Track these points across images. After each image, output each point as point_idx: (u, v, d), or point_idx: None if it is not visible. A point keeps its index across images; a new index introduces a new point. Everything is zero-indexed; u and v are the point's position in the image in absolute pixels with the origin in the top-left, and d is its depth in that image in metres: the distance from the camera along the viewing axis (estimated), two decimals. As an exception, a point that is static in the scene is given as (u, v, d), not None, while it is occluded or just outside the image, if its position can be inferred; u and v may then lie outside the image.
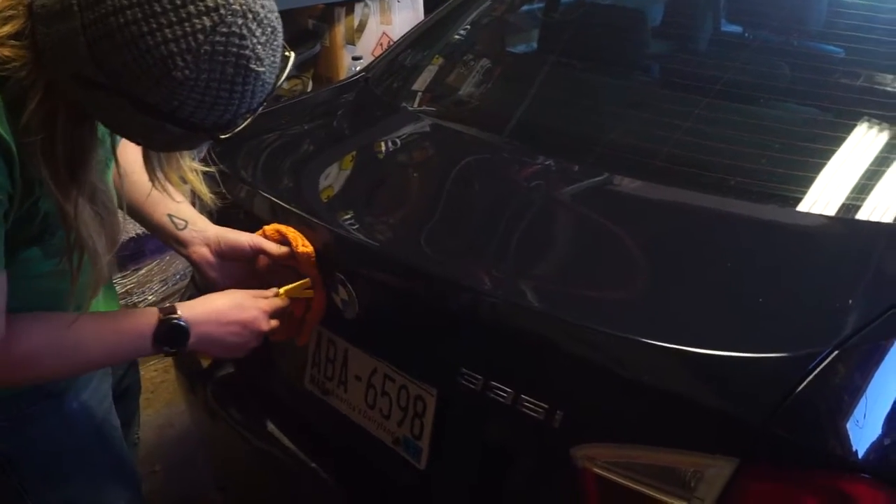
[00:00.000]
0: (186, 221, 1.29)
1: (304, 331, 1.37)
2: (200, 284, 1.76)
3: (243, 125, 0.90)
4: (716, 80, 1.58)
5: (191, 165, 1.12)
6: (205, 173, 1.18)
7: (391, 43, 3.36)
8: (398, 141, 1.72)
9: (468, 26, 2.13)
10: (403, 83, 1.96)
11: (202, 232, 1.31)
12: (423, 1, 3.54)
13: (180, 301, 1.18)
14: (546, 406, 1.05)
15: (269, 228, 1.31)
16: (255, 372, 1.64)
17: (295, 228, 1.31)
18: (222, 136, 0.89)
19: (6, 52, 0.83)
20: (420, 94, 1.91)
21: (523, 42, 2.21)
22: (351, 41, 3.34)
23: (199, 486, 2.11)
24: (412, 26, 2.35)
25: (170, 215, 1.29)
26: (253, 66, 0.83)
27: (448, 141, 1.69)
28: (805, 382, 0.91)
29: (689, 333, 0.99)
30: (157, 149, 1.00)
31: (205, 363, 1.31)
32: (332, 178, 1.56)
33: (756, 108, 1.51)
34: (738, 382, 0.95)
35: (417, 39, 2.11)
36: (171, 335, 1.10)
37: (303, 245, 1.28)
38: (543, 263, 1.23)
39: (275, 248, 1.30)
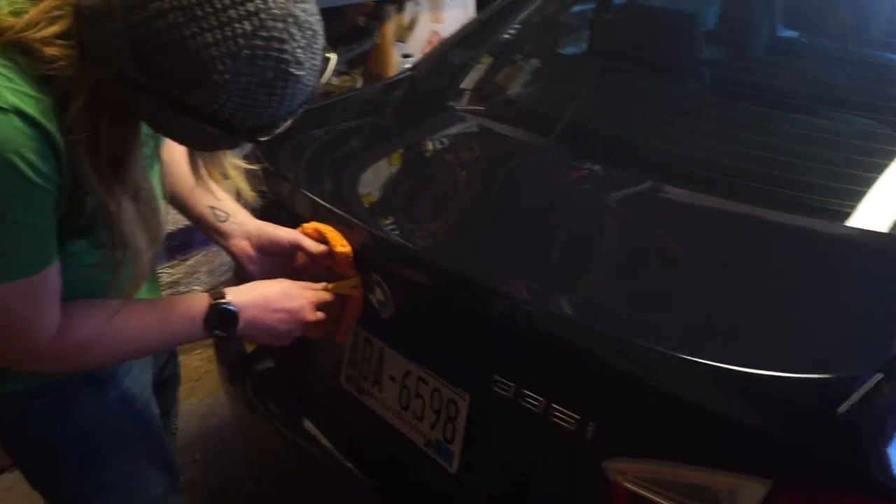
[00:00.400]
0: (228, 214, 1.31)
1: (341, 329, 1.37)
2: (242, 278, 1.78)
3: (283, 127, 0.90)
4: (770, 88, 1.54)
5: (233, 162, 1.14)
6: (247, 170, 1.19)
7: (440, 41, 3.37)
8: (442, 141, 1.72)
9: (518, 26, 2.11)
10: (450, 82, 1.95)
11: (243, 225, 1.32)
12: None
13: None
14: (578, 417, 1.03)
15: (309, 226, 1.32)
16: (293, 368, 1.65)
17: (334, 228, 1.31)
18: (261, 139, 0.89)
19: (53, 51, 0.85)
20: (467, 93, 1.90)
21: (573, 43, 2.18)
22: (401, 39, 3.35)
23: (237, 477, 2.14)
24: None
25: (212, 207, 1.31)
26: (292, 69, 0.83)
27: (493, 143, 1.68)
28: (847, 404, 0.88)
29: (730, 350, 0.96)
30: (198, 148, 1.02)
31: (249, 348, 1.33)
32: (375, 177, 1.56)
33: (811, 118, 1.47)
34: (776, 402, 0.92)
35: (466, 38, 2.10)
36: (220, 319, 1.13)
37: (341, 245, 1.29)
38: (584, 273, 1.22)
39: (313, 245, 1.30)
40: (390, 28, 3.26)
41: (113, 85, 0.85)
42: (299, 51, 0.83)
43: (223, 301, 1.14)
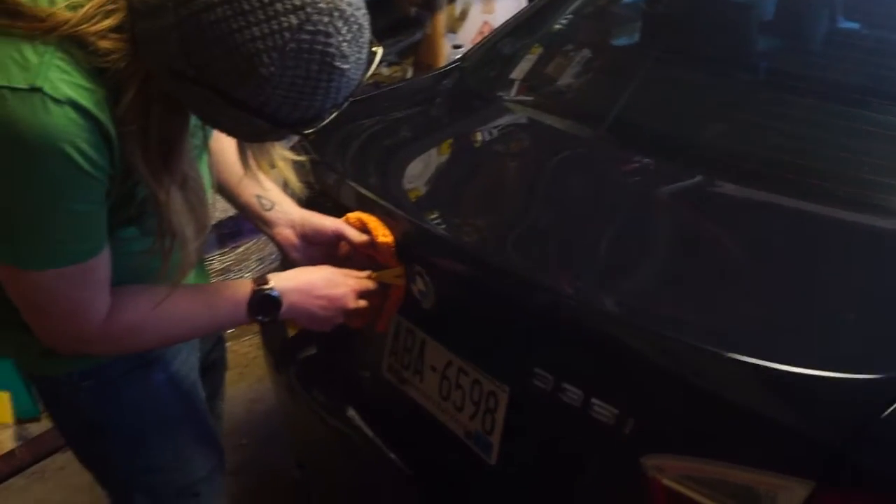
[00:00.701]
0: (273, 203, 1.33)
1: (382, 318, 1.38)
2: (289, 266, 1.80)
3: (328, 120, 0.91)
4: (828, 81, 1.50)
5: (281, 153, 1.15)
6: (294, 161, 1.21)
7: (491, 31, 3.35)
8: (490, 132, 1.72)
9: (570, 16, 2.09)
10: (499, 73, 1.94)
11: (287, 214, 1.34)
12: (527, -10, 3.50)
13: None
14: (617, 412, 1.03)
15: (352, 216, 1.33)
16: (336, 356, 1.67)
17: (378, 218, 1.32)
18: (306, 132, 0.91)
19: (107, 44, 0.87)
20: (516, 84, 1.89)
21: (626, 34, 2.15)
22: (452, 29, 3.35)
23: (282, 462, 2.17)
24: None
25: (258, 196, 1.33)
26: (338, 63, 0.84)
27: (542, 134, 1.66)
28: (894, 406, 0.86)
29: (776, 349, 0.94)
30: (246, 140, 1.04)
31: (291, 332, 1.35)
32: (421, 169, 1.56)
33: (870, 113, 1.42)
34: (820, 402, 0.90)
35: (514, 29, 2.08)
36: (264, 305, 1.16)
37: (383, 235, 1.29)
38: (629, 268, 1.20)
39: (356, 235, 1.32)
40: (441, 19, 3.26)
41: (163, 77, 0.87)
42: (345, 45, 0.84)
43: (266, 287, 1.17)
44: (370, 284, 1.29)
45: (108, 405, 1.20)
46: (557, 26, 2.08)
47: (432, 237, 1.29)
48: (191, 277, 1.24)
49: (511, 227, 1.33)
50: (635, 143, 1.51)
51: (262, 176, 1.24)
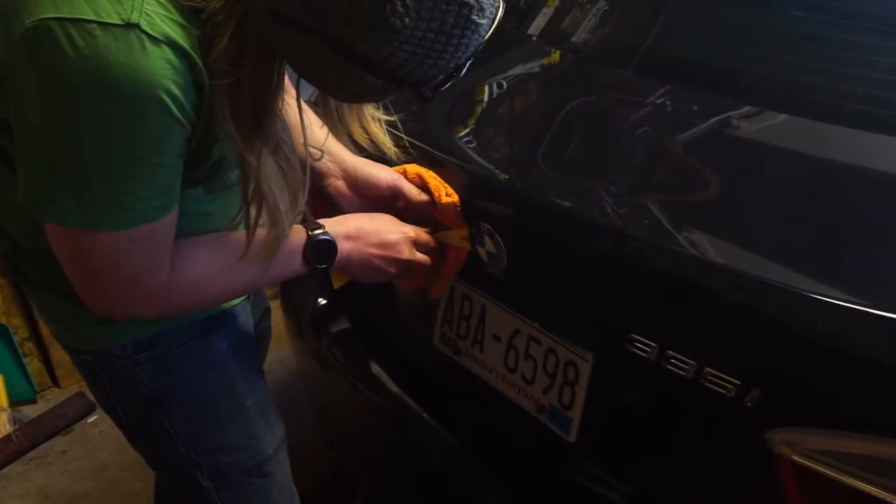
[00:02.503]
0: (322, 151, 1.19)
1: (439, 283, 1.26)
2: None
3: (447, 84, 0.80)
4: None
5: (372, 114, 1.06)
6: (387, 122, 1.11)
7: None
8: (545, 76, 1.55)
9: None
10: (536, 15, 1.78)
11: (340, 163, 1.22)
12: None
13: None
14: (739, 382, 0.91)
15: (412, 169, 1.20)
16: (377, 325, 1.54)
17: (437, 174, 1.19)
18: (426, 94, 0.80)
19: None
20: (550, 24, 1.73)
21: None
22: None
23: (305, 435, 2.05)
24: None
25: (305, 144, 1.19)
26: (475, 17, 0.73)
27: (597, 75, 1.51)
28: None
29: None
30: (345, 99, 0.94)
31: (337, 284, 1.23)
32: (472, 117, 1.40)
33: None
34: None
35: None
36: (320, 250, 1.08)
37: (447, 195, 1.16)
38: (743, 216, 1.03)
39: (415, 193, 1.19)
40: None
41: (264, 22, 0.74)
42: None
43: (321, 231, 1.08)
44: (426, 237, 1.18)
45: (170, 378, 1.11)
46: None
47: (505, 190, 1.15)
48: None
49: (595, 174, 1.17)
50: (715, 86, 1.34)
51: (311, 117, 1.12)
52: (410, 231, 1.17)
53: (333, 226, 1.10)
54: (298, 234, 1.07)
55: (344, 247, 1.10)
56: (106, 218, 0.82)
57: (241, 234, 0.95)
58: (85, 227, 0.83)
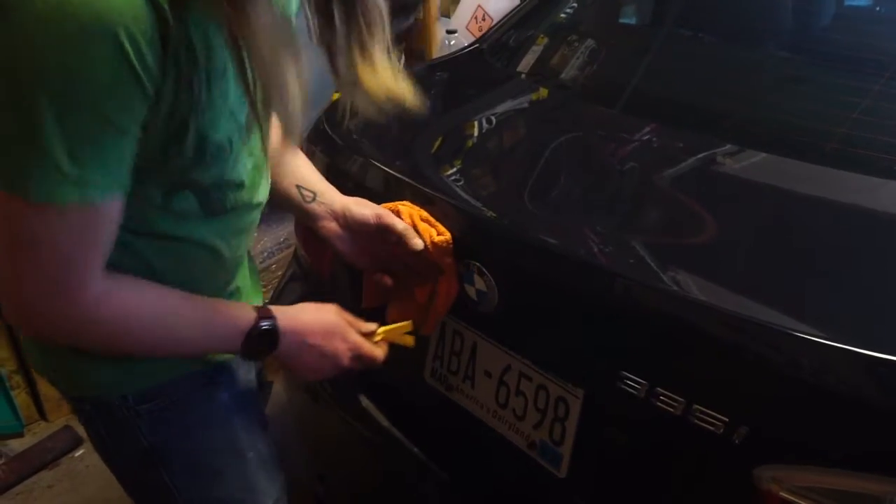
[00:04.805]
0: (315, 193, 1.20)
1: (429, 319, 1.27)
2: (304, 261, 1.68)
3: None
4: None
5: (384, 64, 0.95)
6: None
7: (485, 16, 3.23)
8: (536, 114, 1.58)
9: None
10: (525, 54, 1.82)
11: (330, 205, 1.22)
12: (520, -27, 3.38)
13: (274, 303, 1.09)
14: (727, 419, 0.92)
15: (405, 210, 1.20)
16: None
17: (427, 212, 1.20)
18: None
19: None
20: (540, 62, 1.77)
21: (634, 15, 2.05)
22: (446, 13, 3.21)
23: (294, 470, 2.04)
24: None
25: (298, 186, 1.20)
26: None
27: (586, 114, 1.54)
28: None
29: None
30: None
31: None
32: (462, 154, 1.42)
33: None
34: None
35: (531, 11, 1.97)
36: (263, 339, 1.00)
37: (438, 234, 1.17)
38: (732, 255, 1.07)
39: (399, 223, 1.18)
40: (435, 3, 3.11)
41: None
42: None
43: (270, 320, 1.00)
44: (370, 350, 1.13)
45: (170, 430, 1.06)
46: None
47: (496, 230, 1.16)
48: (248, 288, 1.14)
49: (585, 213, 1.19)
50: (710, 128, 1.37)
51: (301, 158, 1.11)
52: (354, 340, 1.11)
53: (283, 315, 1.02)
54: (247, 313, 1.00)
55: (285, 341, 1.02)
56: (35, 182, 0.73)
57: (206, 298, 0.93)
58: (15, 192, 0.74)
